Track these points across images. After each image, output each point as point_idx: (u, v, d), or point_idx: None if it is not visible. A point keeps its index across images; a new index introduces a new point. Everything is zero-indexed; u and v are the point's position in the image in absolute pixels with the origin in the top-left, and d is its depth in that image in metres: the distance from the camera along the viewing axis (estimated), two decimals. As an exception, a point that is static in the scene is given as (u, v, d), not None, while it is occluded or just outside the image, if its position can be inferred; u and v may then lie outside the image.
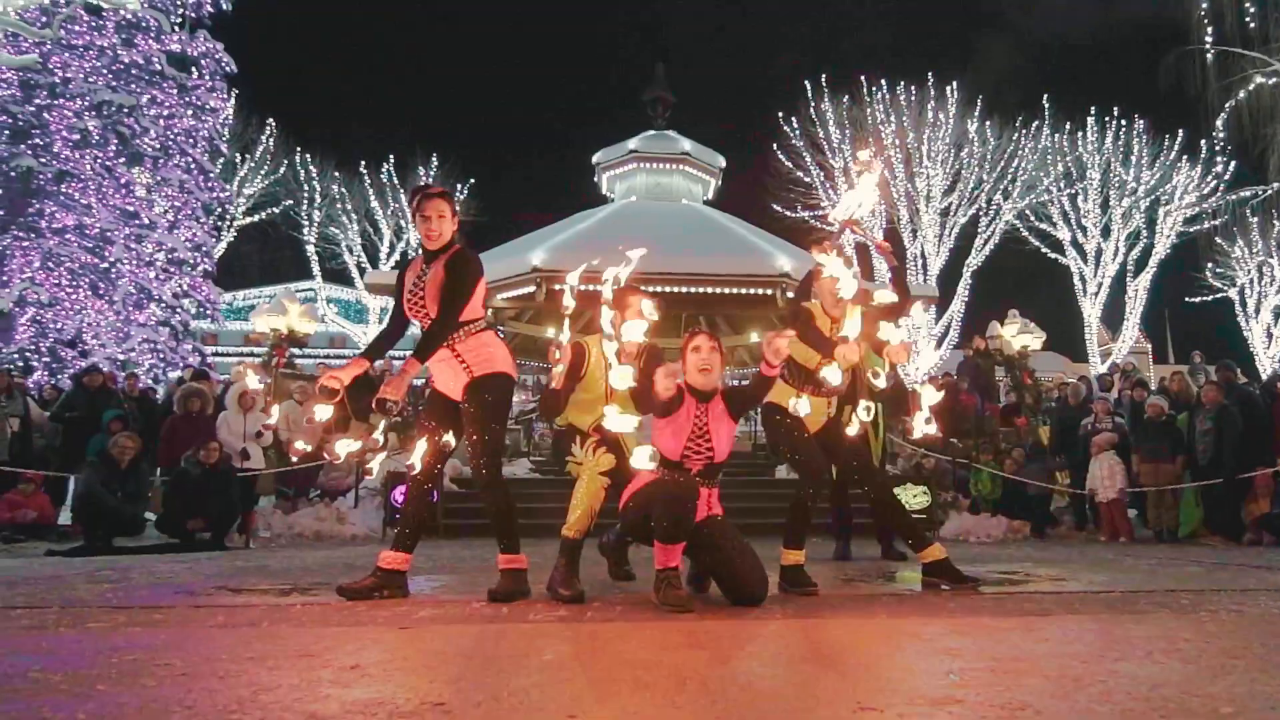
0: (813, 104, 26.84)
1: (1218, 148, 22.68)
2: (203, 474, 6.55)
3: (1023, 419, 10.11)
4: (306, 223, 27.28)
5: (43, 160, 16.84)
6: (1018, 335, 11.72)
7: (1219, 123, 13.41)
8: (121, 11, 17.23)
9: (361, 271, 27.67)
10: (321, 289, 28.83)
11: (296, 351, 13.18)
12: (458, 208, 3.78)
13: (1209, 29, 12.63)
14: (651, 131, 16.56)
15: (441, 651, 2.33)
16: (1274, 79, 12.93)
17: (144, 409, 8.61)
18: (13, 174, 16.60)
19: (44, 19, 14.54)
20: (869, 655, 2.33)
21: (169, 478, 6.95)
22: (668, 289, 11.08)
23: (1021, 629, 2.63)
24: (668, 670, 1.97)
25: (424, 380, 6.52)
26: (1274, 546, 6.84)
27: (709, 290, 11.76)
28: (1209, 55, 12.84)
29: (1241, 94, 13.50)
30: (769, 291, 11.73)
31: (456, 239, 3.64)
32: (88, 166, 17.29)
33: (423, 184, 3.92)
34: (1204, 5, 12.47)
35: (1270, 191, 16.68)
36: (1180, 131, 25.69)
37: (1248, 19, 12.44)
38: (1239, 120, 14.00)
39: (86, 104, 17.38)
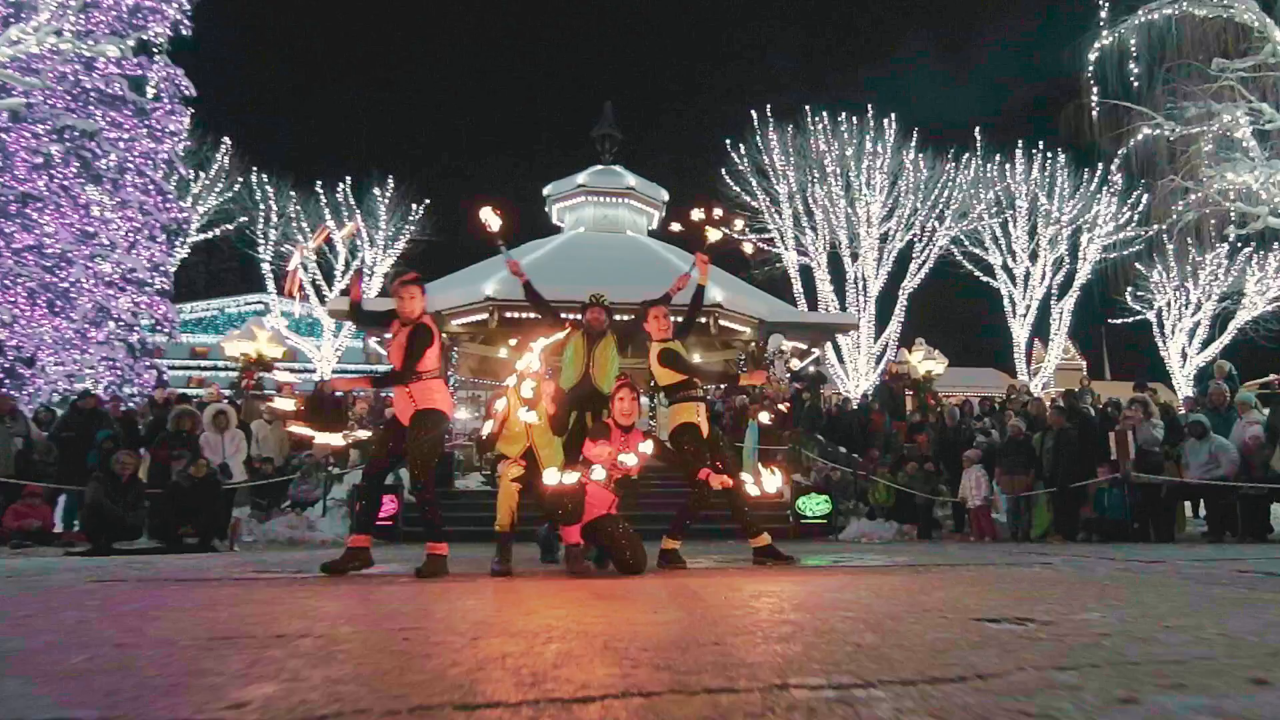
0: (758, 133, 28.17)
1: (1113, 190, 24.64)
2: (192, 486, 7.38)
3: (923, 436, 11.29)
4: (262, 240, 27.75)
5: (3, 182, 17.20)
6: (923, 361, 13.00)
7: (1113, 167, 14.81)
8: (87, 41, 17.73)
9: (316, 288, 28.23)
10: (275, 304, 29.29)
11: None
12: (425, 288, 5.01)
13: (1094, 88, 14.13)
14: (599, 166, 17.61)
15: (377, 610, 3.26)
16: (1156, 130, 14.44)
17: (127, 428, 9.33)
18: (-26, 196, 16.94)
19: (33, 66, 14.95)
20: (727, 605, 3.32)
21: (161, 490, 7.73)
22: (629, 317, 12.03)
23: (825, 581, 3.64)
24: (572, 614, 2.93)
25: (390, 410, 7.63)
26: (1093, 543, 8.03)
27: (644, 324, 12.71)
28: (1095, 110, 14.29)
29: (1131, 143, 15.00)
30: (702, 320, 12.80)
31: (424, 312, 4.78)
32: (45, 188, 17.67)
33: (401, 271, 5.20)
34: (1090, 68, 13.96)
35: (1153, 233, 18.33)
36: (1099, 165, 27.58)
37: (1131, 79, 13.96)
38: (1129, 167, 15.54)
39: (47, 128, 17.80)
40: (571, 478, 4.41)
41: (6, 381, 16.91)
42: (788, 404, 10.42)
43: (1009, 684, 1.70)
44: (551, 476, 4.34)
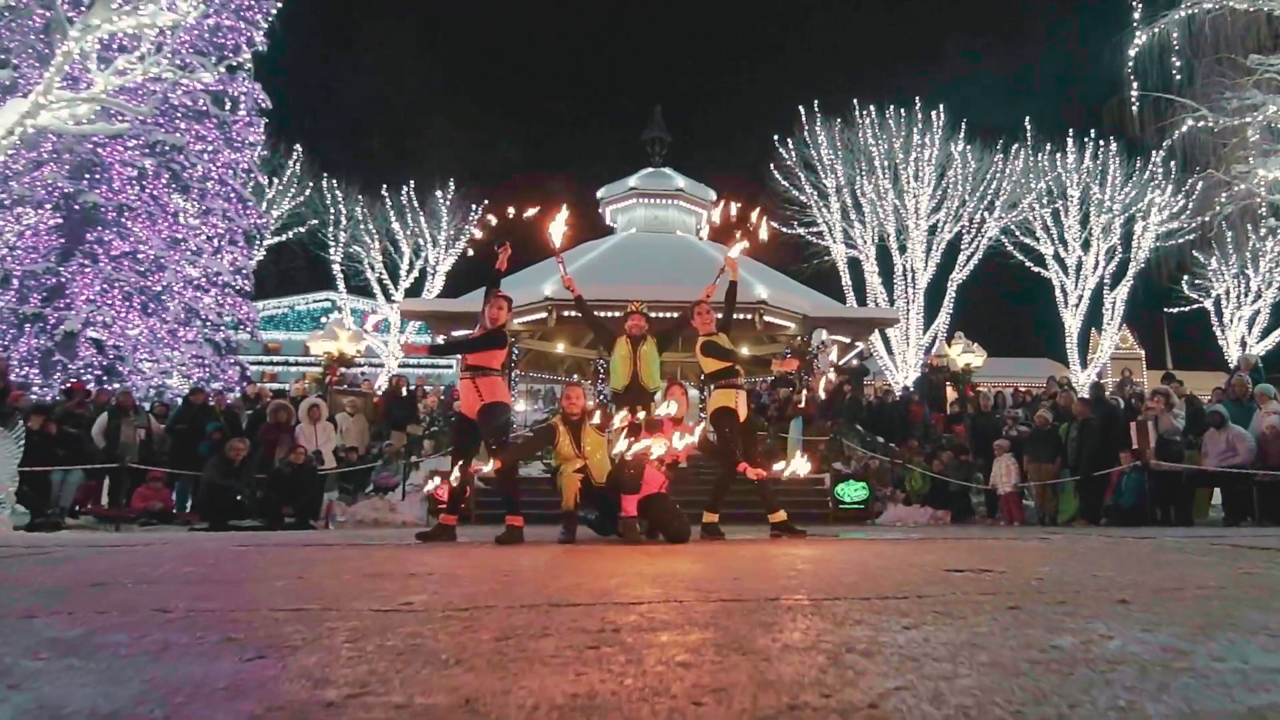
0: (806, 127, 28.51)
1: (1168, 179, 24.44)
2: (292, 472, 8.41)
3: (961, 426, 11.78)
4: (332, 243, 29.20)
5: (103, 194, 18.72)
6: (962, 354, 13.45)
7: (1156, 160, 14.92)
8: (173, 58, 19.12)
9: (383, 286, 29.63)
10: (346, 302, 30.80)
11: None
12: (512, 305, 5.90)
13: (1134, 82, 14.32)
14: (650, 169, 18.36)
15: (477, 562, 4.07)
16: (1202, 122, 14.55)
17: (230, 420, 10.46)
18: (77, 207, 18.49)
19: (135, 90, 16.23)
20: (749, 560, 4.05)
21: (265, 475, 8.79)
22: (659, 314, 12.81)
23: (839, 547, 4.34)
24: (627, 564, 3.69)
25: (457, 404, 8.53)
26: (1114, 526, 8.45)
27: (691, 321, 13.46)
28: (1136, 103, 14.46)
29: (1175, 135, 15.12)
30: (747, 316, 13.49)
31: (505, 322, 5.62)
32: (137, 198, 19.14)
33: (492, 279, 6.05)
34: (1130, 62, 14.16)
35: (1199, 224, 18.28)
36: (1151, 154, 27.18)
37: (1173, 72, 14.11)
38: (1174, 158, 15.66)
39: (140, 142, 19.29)
40: (637, 448, 5.23)
41: (104, 378, 18.45)
42: (826, 394, 11.02)
43: (937, 600, 2.40)
44: (621, 446, 5.16)
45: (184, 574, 3.22)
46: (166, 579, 3.03)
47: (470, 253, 5.92)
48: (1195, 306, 29.08)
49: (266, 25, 20.20)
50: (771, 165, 29.06)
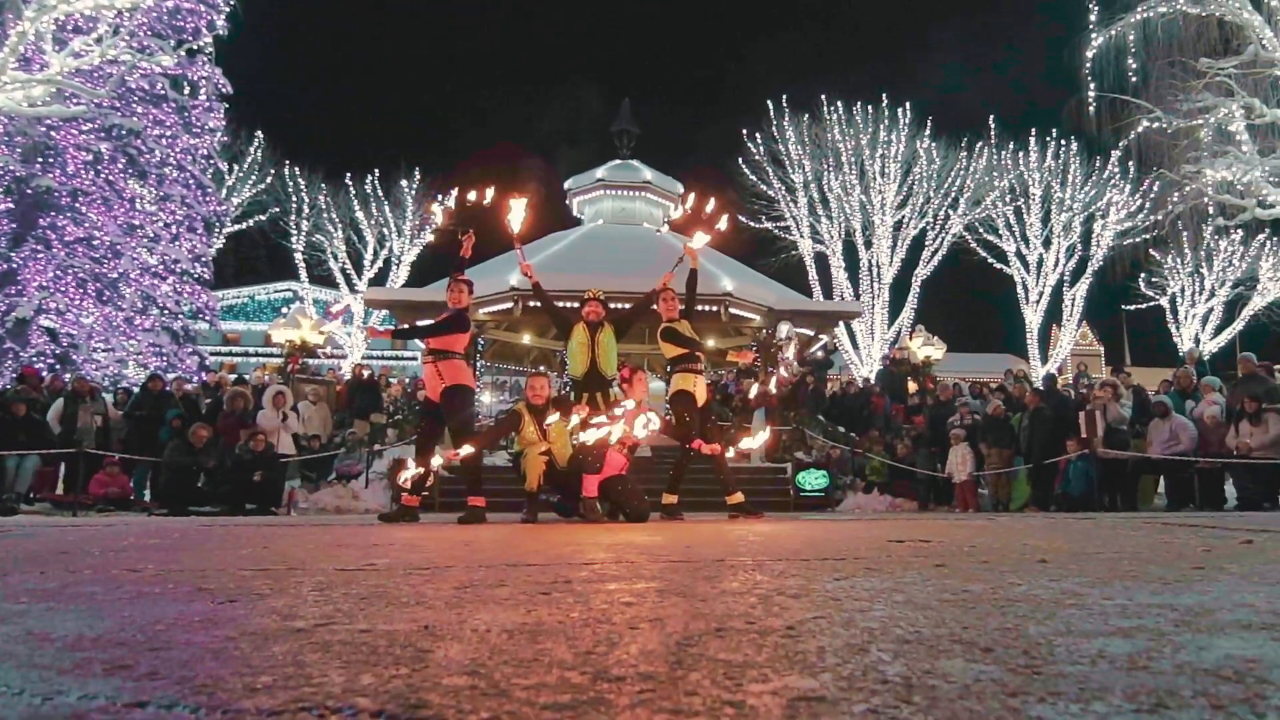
0: (774, 122, 28.78)
1: (1127, 178, 25.21)
2: (252, 459, 8.40)
3: (920, 417, 12.08)
4: (294, 231, 28.86)
5: (57, 178, 18.32)
6: (922, 348, 13.80)
7: (1114, 159, 15.43)
8: (131, 41, 18.74)
9: (346, 276, 29.35)
10: (308, 292, 30.47)
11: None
12: (473, 288, 5.95)
13: (1091, 84, 14.74)
14: (617, 161, 18.44)
15: (438, 535, 4.18)
16: (1156, 124, 15.02)
17: (189, 407, 10.38)
18: (29, 191, 18.10)
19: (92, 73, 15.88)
20: (704, 534, 4.21)
21: (225, 462, 8.77)
22: (625, 305, 12.93)
23: (793, 525, 4.52)
24: (585, 536, 3.83)
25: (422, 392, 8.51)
26: (1063, 513, 8.77)
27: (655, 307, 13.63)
28: (1094, 103, 14.91)
29: (1132, 135, 15.59)
30: (712, 308, 13.66)
31: (467, 306, 5.72)
32: (93, 184, 18.76)
33: (456, 266, 6.10)
34: (1088, 64, 14.57)
35: (1153, 222, 18.88)
36: (1109, 154, 27.84)
37: (1129, 74, 14.57)
38: (1131, 158, 16.16)
39: (96, 126, 18.90)
40: (597, 435, 5.38)
41: (58, 367, 18.11)
42: (779, 387, 11.24)
43: (871, 560, 2.57)
44: (584, 434, 5.31)
45: (150, 545, 3.29)
46: (133, 548, 3.10)
47: (433, 239, 5.99)
48: (1152, 304, 29.92)
49: (227, 9, 19.87)
50: (739, 159, 29.32)
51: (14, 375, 14.59)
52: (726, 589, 1.88)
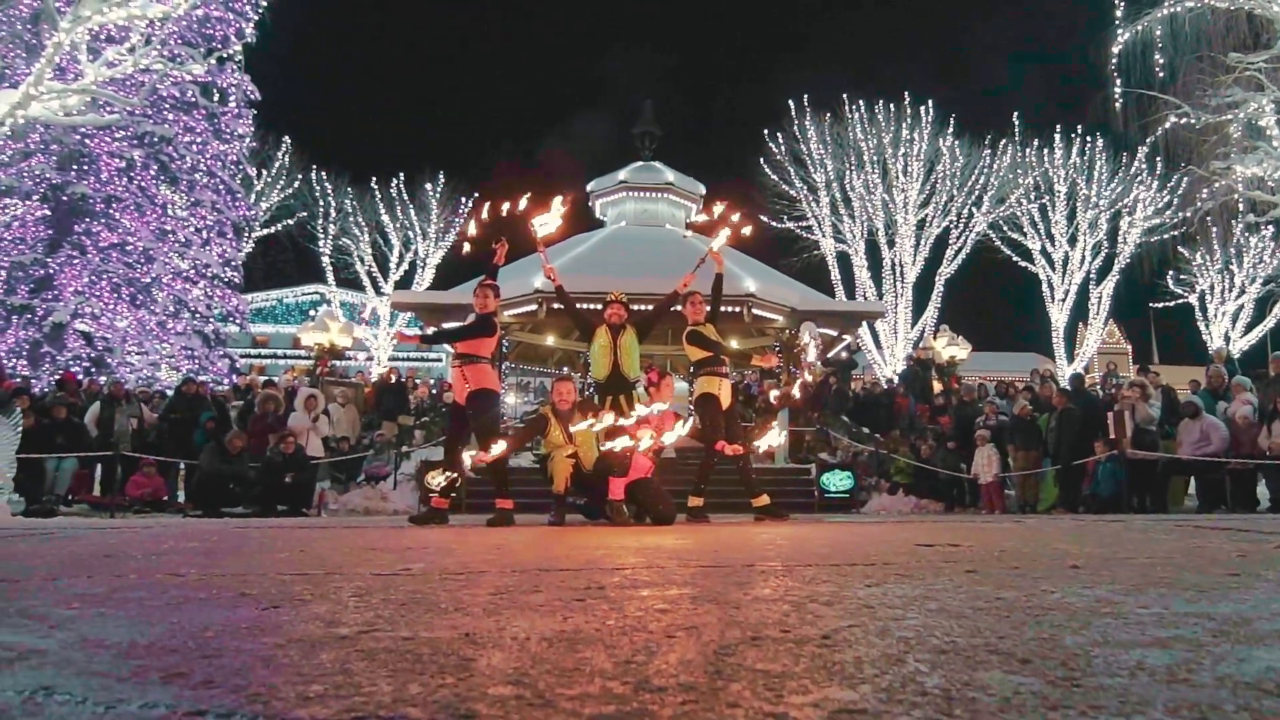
0: (795, 122, 28.65)
1: (1154, 175, 24.83)
2: (284, 461, 8.53)
3: (945, 417, 11.98)
4: (321, 235, 29.19)
5: (91, 185, 18.69)
6: (947, 347, 13.69)
7: (1141, 156, 15.21)
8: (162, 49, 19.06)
9: (372, 279, 29.66)
10: (335, 295, 30.82)
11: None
12: (500, 293, 6.00)
13: (1118, 79, 14.56)
14: (639, 163, 18.49)
15: (469, 539, 4.22)
16: (1184, 119, 14.79)
17: (220, 409, 10.57)
18: (65, 198, 18.47)
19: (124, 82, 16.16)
20: (731, 537, 4.22)
21: (258, 464, 8.92)
22: (649, 307, 12.95)
23: (819, 528, 4.51)
24: (614, 540, 3.85)
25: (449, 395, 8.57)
26: (1091, 514, 8.65)
27: (681, 308, 13.64)
28: (1120, 99, 14.72)
29: (1159, 131, 15.37)
30: (735, 309, 13.65)
31: (494, 310, 5.76)
32: (126, 190, 19.10)
33: (488, 272, 6.17)
34: (1114, 59, 14.39)
35: (1182, 219, 18.59)
36: (1137, 150, 27.42)
37: (1156, 69, 14.35)
38: (1158, 154, 15.93)
39: (129, 133, 19.26)
40: (624, 444, 5.42)
41: (93, 370, 18.46)
42: (802, 391, 11.20)
43: (901, 566, 2.57)
44: (610, 442, 5.35)
45: (190, 548, 3.36)
46: (173, 551, 3.17)
47: (467, 249, 5.97)
48: (1180, 302, 29.43)
49: (256, 17, 20.15)
50: (761, 159, 29.22)
51: (54, 379, 14.92)
52: (759, 595, 1.90)
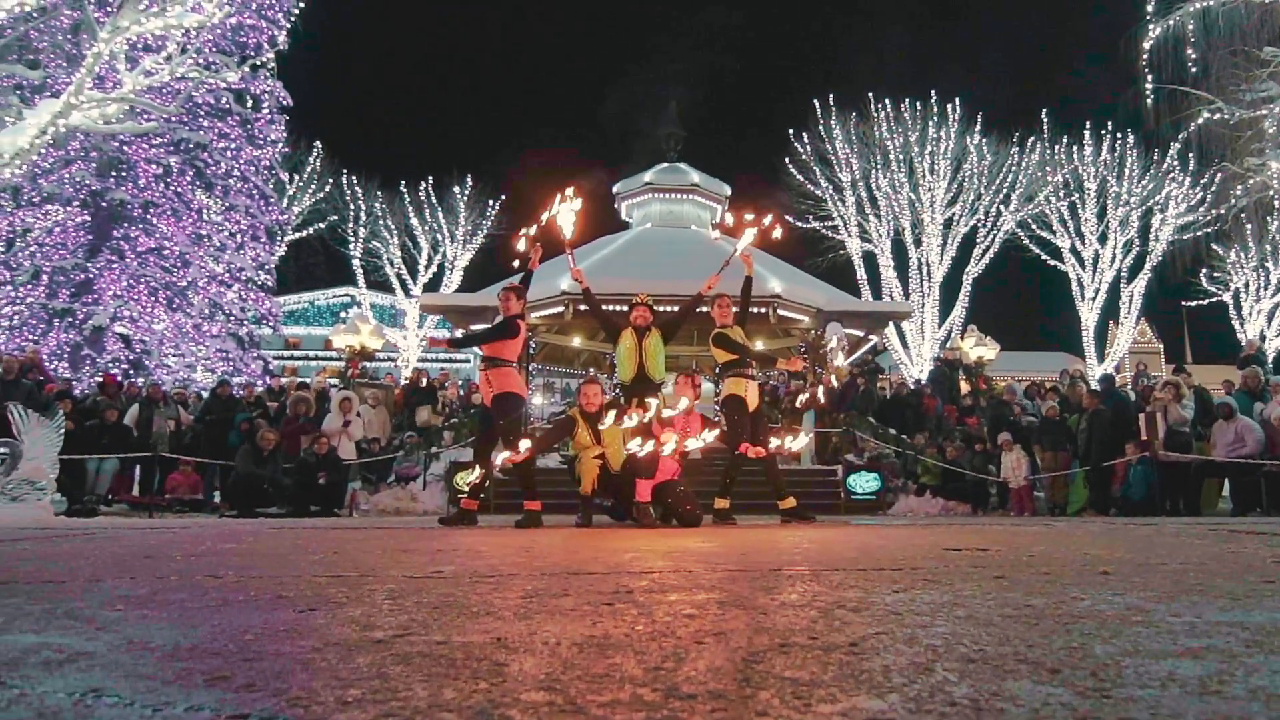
0: (821, 121, 28.49)
1: (1186, 171, 24.37)
2: (317, 461, 8.68)
3: (974, 418, 11.87)
4: (352, 238, 29.54)
5: (129, 191, 19.11)
6: (975, 347, 13.54)
7: (1173, 152, 14.92)
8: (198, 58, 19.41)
9: (401, 281, 29.97)
10: (365, 297, 31.17)
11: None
12: (525, 295, 6.00)
13: (1149, 75, 14.31)
14: (665, 164, 18.50)
15: (498, 540, 4.26)
16: (1218, 115, 14.52)
17: (257, 411, 10.76)
18: (104, 204, 18.90)
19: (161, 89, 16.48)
20: (757, 540, 4.22)
21: (291, 464, 9.08)
22: (674, 308, 12.96)
23: (845, 530, 4.50)
24: (641, 543, 3.87)
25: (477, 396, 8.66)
26: (1123, 517, 8.49)
27: (707, 310, 13.63)
28: (1152, 95, 14.47)
29: (1191, 127, 15.10)
30: (761, 310, 13.62)
31: (520, 313, 5.78)
32: (163, 196, 19.50)
33: (511, 280, 6.26)
34: (1146, 54, 14.15)
35: (1215, 217, 18.22)
36: (1169, 146, 26.89)
37: (1189, 64, 14.09)
38: (1190, 150, 15.64)
39: (165, 140, 19.65)
40: (648, 448, 5.44)
41: (131, 372, 18.85)
42: (827, 394, 11.16)
43: (929, 571, 2.56)
44: (634, 446, 5.36)
45: (227, 549, 3.43)
46: (211, 553, 3.25)
47: (528, 258, 6.04)
48: (1214, 300, 28.84)
49: (289, 24, 20.46)
50: (786, 159, 29.09)
51: (94, 381, 15.27)
52: (786, 601, 1.90)
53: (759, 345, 17.40)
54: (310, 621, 1.65)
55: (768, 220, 6.62)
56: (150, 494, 9.51)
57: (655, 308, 6.58)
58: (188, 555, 3.11)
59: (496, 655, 1.31)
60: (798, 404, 9.84)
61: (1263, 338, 27.84)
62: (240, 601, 1.92)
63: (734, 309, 6.52)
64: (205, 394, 11.67)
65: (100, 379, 12.83)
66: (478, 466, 6.00)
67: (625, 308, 6.72)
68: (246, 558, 3.06)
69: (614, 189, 18.84)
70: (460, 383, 15.69)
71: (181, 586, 2.19)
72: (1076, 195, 28.09)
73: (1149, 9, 14.00)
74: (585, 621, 1.63)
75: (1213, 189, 24.40)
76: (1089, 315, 28.31)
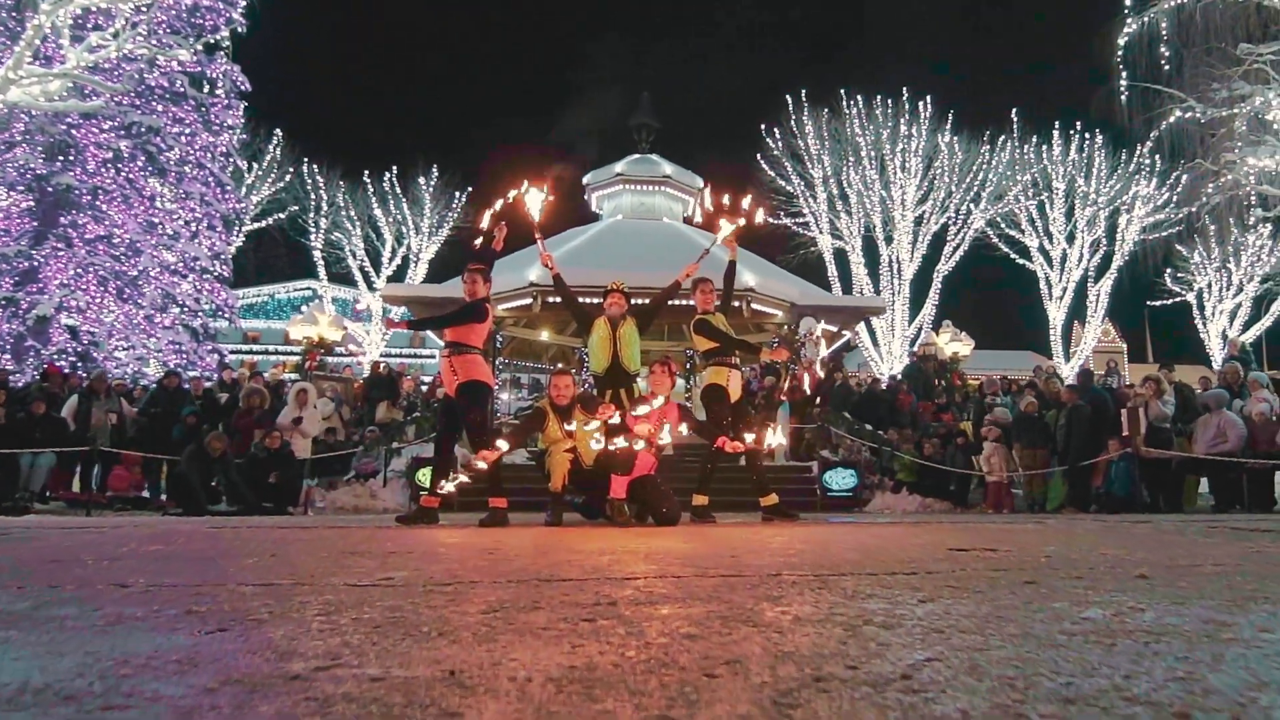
0: (793, 117, 28.34)
1: (1153, 172, 24.64)
2: (269, 457, 8.18)
3: (949, 414, 11.73)
4: (313, 229, 28.77)
5: (77, 176, 18.24)
6: (950, 343, 13.40)
7: (1144, 150, 14.98)
8: (149, 38, 18.64)
9: (365, 275, 29.24)
10: (327, 290, 30.37)
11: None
12: (490, 277, 5.60)
13: (1123, 73, 14.29)
14: (636, 155, 18.14)
15: (460, 541, 3.92)
16: (1189, 113, 14.55)
17: (207, 404, 10.21)
18: (50, 189, 18.04)
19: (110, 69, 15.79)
20: (744, 540, 3.93)
21: (242, 460, 8.57)
22: (646, 300, 12.64)
23: (834, 529, 4.22)
24: (618, 543, 3.55)
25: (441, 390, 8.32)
26: (1104, 514, 8.36)
27: (681, 302, 13.33)
28: (1125, 93, 14.45)
29: (1163, 125, 15.12)
30: (735, 303, 13.31)
31: (487, 296, 5.41)
32: (113, 182, 18.67)
33: (482, 257, 5.83)
34: (1120, 52, 14.12)
35: (1184, 216, 18.37)
36: (1137, 146, 27.19)
37: (1161, 62, 14.10)
38: (1162, 149, 15.68)
39: (116, 124, 18.82)
40: (620, 444, 5.11)
41: (79, 364, 18.03)
42: (813, 384, 10.94)
43: (948, 575, 2.28)
44: (607, 439, 5.03)
45: (149, 552, 3.05)
46: (130, 556, 2.87)
47: (479, 243, 5.71)
48: (1177, 300, 29.26)
49: (244, 4, 19.74)
50: (758, 155, 28.92)
51: (37, 373, 14.52)
52: (800, 615, 1.60)
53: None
54: (214, 647, 1.31)
55: (746, 203, 6.36)
56: (90, 491, 8.94)
57: (630, 296, 6.26)
58: (101, 559, 2.73)
59: (447, 698, 1.00)
60: (782, 392, 9.58)
61: (1224, 337, 28.26)
62: (136, 619, 1.57)
63: (716, 296, 6.23)
64: (153, 386, 11.07)
65: (43, 369, 12.17)
66: (439, 463, 5.59)
67: (598, 299, 6.38)
68: (168, 562, 2.69)
69: (584, 180, 18.46)
70: (422, 377, 15.22)
71: (74, 599, 1.83)
72: (1045, 194, 28.28)
73: (1126, 4, 13.96)
74: (562, 645, 1.31)
75: (1179, 190, 24.72)
76: (1056, 314, 28.55)
